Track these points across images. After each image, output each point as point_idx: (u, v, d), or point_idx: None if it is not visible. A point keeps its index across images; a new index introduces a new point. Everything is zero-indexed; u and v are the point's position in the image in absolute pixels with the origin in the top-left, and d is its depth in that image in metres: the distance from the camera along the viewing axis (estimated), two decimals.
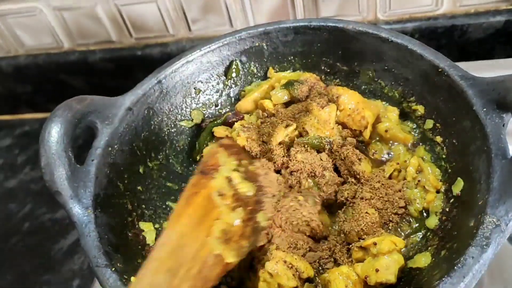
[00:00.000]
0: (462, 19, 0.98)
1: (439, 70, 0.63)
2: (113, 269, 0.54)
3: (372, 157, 0.69)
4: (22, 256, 0.94)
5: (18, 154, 1.17)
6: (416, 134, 0.70)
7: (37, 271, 0.91)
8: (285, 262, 0.55)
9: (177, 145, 0.77)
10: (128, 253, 0.60)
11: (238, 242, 0.48)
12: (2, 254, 0.95)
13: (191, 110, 0.79)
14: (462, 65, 0.64)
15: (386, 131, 0.69)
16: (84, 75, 1.18)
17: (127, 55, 1.12)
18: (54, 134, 0.57)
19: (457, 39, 1.01)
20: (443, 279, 0.47)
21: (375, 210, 0.61)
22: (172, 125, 0.77)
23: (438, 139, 0.65)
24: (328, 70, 0.78)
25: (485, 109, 0.57)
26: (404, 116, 0.72)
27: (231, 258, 0.47)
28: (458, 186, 0.59)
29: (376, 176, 0.65)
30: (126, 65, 1.14)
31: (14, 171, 1.12)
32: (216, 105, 0.81)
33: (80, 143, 0.75)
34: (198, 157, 0.76)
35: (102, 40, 1.13)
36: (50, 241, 0.95)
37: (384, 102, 0.74)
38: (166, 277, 0.43)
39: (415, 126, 0.70)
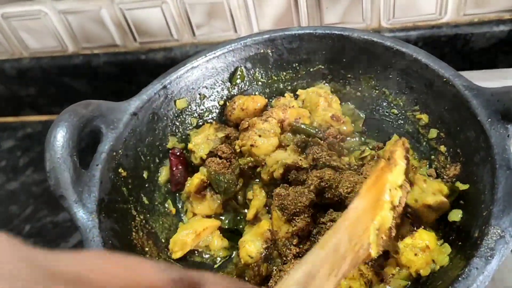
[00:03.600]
0: (465, 28, 0.98)
1: (444, 79, 0.64)
2: None
3: None
4: None
5: (20, 156, 1.16)
6: None
7: None
8: None
9: None
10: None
11: (382, 242, 0.49)
12: None
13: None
14: (465, 74, 0.64)
15: None
16: (88, 78, 1.18)
17: (131, 59, 1.13)
18: (60, 138, 0.58)
19: (460, 48, 1.01)
20: None
21: None
22: (177, 131, 0.77)
23: (442, 148, 0.65)
24: (333, 78, 0.78)
25: (489, 120, 0.57)
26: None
27: (374, 252, 0.47)
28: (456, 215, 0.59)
29: None
30: (130, 69, 1.14)
31: (16, 173, 1.12)
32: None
33: (83, 146, 0.76)
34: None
35: (107, 44, 1.13)
36: (51, 244, 0.95)
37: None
38: (347, 239, 0.44)
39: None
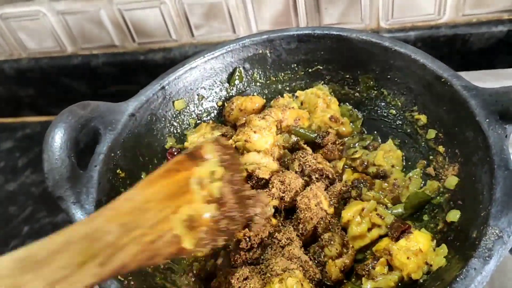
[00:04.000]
0: (464, 28, 0.98)
1: (442, 80, 0.64)
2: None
3: None
4: None
5: (19, 157, 1.16)
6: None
7: None
8: None
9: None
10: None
11: (201, 235, 0.48)
12: None
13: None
14: (463, 74, 0.64)
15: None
16: (87, 79, 1.18)
17: (130, 60, 1.13)
18: (58, 139, 0.58)
19: (459, 48, 1.01)
20: None
21: None
22: (175, 131, 0.77)
23: (441, 149, 0.65)
24: (331, 78, 0.78)
25: (487, 120, 0.57)
26: None
27: (189, 245, 0.47)
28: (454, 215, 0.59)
29: None
30: (129, 70, 1.14)
31: (15, 174, 1.12)
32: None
33: (81, 147, 0.75)
34: None
35: (105, 45, 1.13)
36: None
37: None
38: (117, 229, 0.42)
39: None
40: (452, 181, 0.62)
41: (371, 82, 0.74)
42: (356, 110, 0.78)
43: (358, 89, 0.76)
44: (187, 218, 0.47)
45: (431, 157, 0.67)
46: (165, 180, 0.48)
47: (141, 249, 0.43)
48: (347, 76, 0.76)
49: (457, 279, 0.48)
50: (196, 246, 0.47)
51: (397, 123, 0.73)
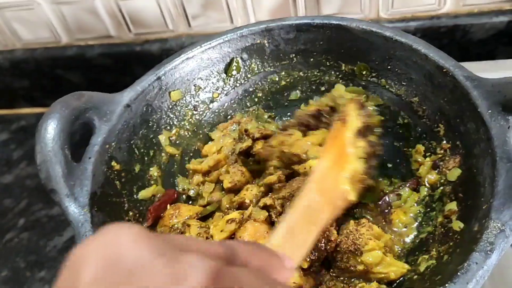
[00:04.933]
0: (465, 19, 0.97)
1: (444, 70, 0.63)
2: None
3: None
4: (17, 252, 0.93)
5: (14, 149, 1.15)
6: None
7: (32, 267, 0.90)
8: None
9: None
10: None
11: (358, 185, 0.56)
12: None
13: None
14: (464, 65, 0.63)
15: None
16: (82, 70, 1.17)
17: (126, 51, 1.11)
18: (51, 131, 0.56)
19: (459, 39, 1.00)
20: (446, 285, 0.46)
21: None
22: (171, 123, 0.76)
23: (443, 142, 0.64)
24: (330, 69, 0.77)
25: (490, 111, 0.56)
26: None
27: (353, 196, 0.55)
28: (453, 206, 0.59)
29: None
30: (125, 61, 1.13)
31: (10, 167, 1.11)
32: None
33: (77, 138, 0.74)
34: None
35: (101, 35, 1.11)
36: (45, 237, 0.94)
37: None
38: (318, 196, 0.51)
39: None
40: (454, 173, 0.61)
41: (372, 73, 0.73)
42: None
43: (357, 81, 0.75)
44: (350, 175, 0.55)
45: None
46: (332, 147, 0.58)
47: (331, 207, 0.52)
48: (347, 66, 0.75)
49: (458, 273, 0.47)
50: (356, 197, 0.56)
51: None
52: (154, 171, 0.72)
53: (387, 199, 0.64)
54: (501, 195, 0.50)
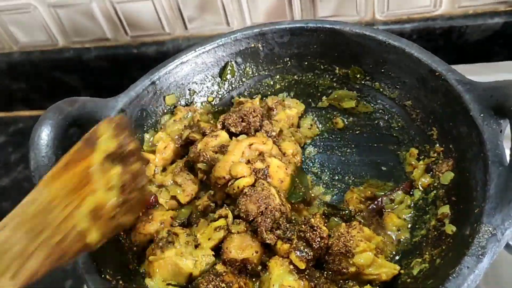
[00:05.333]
0: (460, 20, 0.97)
1: (436, 73, 0.63)
2: (103, 275, 0.53)
3: None
4: None
5: (12, 152, 1.15)
6: None
7: None
8: None
9: None
10: (119, 258, 0.59)
11: (107, 223, 0.47)
12: None
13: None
14: (460, 67, 0.63)
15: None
16: (79, 72, 1.17)
17: (123, 53, 1.11)
18: (44, 137, 0.57)
19: (455, 40, 1.00)
20: None
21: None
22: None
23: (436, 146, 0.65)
24: (324, 73, 0.77)
25: (482, 115, 0.56)
26: None
27: (95, 237, 0.46)
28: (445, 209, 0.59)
29: None
30: (122, 63, 1.13)
31: (7, 169, 1.11)
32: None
33: (74, 141, 0.74)
34: None
35: (97, 38, 1.11)
36: None
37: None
38: (24, 237, 0.42)
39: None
40: (447, 176, 0.61)
41: (366, 76, 0.73)
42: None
43: (351, 84, 0.75)
44: (92, 209, 0.46)
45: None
46: (67, 173, 0.47)
47: (49, 253, 0.43)
48: (341, 70, 0.75)
49: (450, 277, 0.47)
50: (102, 237, 0.47)
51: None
52: None
53: (380, 203, 0.64)
54: (493, 199, 0.50)
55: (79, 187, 0.46)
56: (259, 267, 0.59)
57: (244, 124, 0.69)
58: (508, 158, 0.52)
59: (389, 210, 0.64)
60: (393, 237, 0.62)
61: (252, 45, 0.77)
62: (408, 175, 0.67)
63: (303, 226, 0.58)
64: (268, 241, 0.58)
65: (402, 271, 0.57)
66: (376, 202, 0.64)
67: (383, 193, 0.65)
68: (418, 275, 0.55)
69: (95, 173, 0.48)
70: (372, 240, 0.58)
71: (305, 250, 0.57)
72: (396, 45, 0.67)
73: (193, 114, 0.75)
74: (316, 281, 0.57)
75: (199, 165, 0.67)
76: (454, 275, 0.47)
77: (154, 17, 1.05)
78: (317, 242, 0.57)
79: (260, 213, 0.59)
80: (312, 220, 0.58)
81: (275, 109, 0.75)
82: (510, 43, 0.99)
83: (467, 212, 0.53)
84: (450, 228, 0.55)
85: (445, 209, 0.58)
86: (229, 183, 0.62)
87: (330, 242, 0.57)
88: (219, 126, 0.70)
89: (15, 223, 0.43)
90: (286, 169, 0.65)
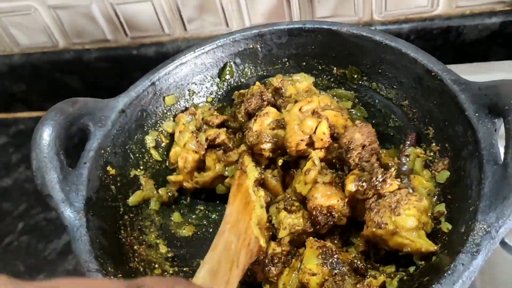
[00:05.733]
0: (457, 20, 0.98)
1: (432, 73, 0.63)
2: (105, 273, 0.54)
3: None
4: (16, 255, 0.94)
5: (13, 153, 1.16)
6: None
7: (31, 271, 0.91)
8: None
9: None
10: (120, 257, 0.60)
11: (265, 233, 0.60)
12: None
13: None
14: (458, 67, 0.64)
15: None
16: (80, 74, 1.18)
17: (123, 54, 1.12)
18: (46, 137, 0.57)
19: (453, 40, 1.01)
20: (433, 285, 0.47)
21: None
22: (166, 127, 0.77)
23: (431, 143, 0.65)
24: (322, 73, 0.78)
25: (477, 114, 0.57)
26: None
27: (263, 242, 0.58)
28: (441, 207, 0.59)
29: None
30: (122, 64, 1.14)
31: (8, 170, 1.12)
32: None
33: (75, 142, 0.75)
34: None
35: (98, 39, 1.12)
36: (44, 241, 0.95)
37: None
38: (235, 238, 0.55)
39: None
40: (443, 175, 0.62)
41: (363, 76, 0.74)
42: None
43: (349, 83, 0.76)
44: (257, 221, 0.59)
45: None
46: (239, 193, 0.62)
47: (246, 251, 0.55)
48: (339, 70, 0.76)
49: (445, 274, 0.48)
50: (265, 244, 0.59)
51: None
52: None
53: (403, 165, 0.64)
54: (487, 197, 0.51)
55: (247, 204, 0.61)
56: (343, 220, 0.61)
57: (265, 103, 0.71)
58: (502, 157, 0.53)
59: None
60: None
61: (251, 46, 0.78)
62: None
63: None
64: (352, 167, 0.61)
65: (401, 270, 0.58)
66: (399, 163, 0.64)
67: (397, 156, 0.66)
68: (414, 273, 0.56)
69: (252, 194, 0.62)
70: (424, 214, 0.57)
71: (364, 183, 0.58)
72: (392, 45, 0.68)
73: (194, 117, 0.76)
74: (338, 271, 0.56)
75: (263, 146, 0.67)
76: (449, 272, 0.48)
77: (154, 18, 1.06)
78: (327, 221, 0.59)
79: (362, 145, 0.61)
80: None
81: (282, 88, 0.75)
82: (507, 43, 1.00)
83: (462, 210, 0.54)
84: (445, 226, 0.56)
85: (441, 208, 0.59)
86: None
87: (384, 191, 0.57)
88: (241, 118, 0.73)
89: (228, 228, 0.57)
90: (342, 115, 0.67)
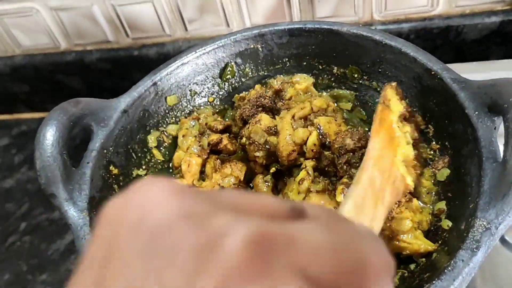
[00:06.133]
0: (457, 19, 0.98)
1: (432, 72, 0.64)
2: None
3: None
4: (19, 256, 0.95)
5: (15, 153, 1.17)
6: None
7: (34, 271, 0.92)
8: None
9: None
10: None
11: (412, 171, 0.55)
12: None
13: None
14: (458, 66, 0.64)
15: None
16: (81, 75, 1.18)
17: (124, 55, 1.13)
18: (49, 137, 0.58)
19: (453, 39, 1.01)
20: (433, 282, 0.48)
21: None
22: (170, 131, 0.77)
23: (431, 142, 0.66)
24: (323, 72, 0.78)
25: (476, 112, 0.57)
26: None
27: (411, 181, 0.54)
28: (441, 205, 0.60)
29: None
30: (123, 65, 1.14)
31: (11, 171, 1.12)
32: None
33: (77, 143, 0.76)
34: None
35: (99, 41, 1.13)
36: (47, 241, 0.96)
37: None
38: (379, 174, 0.51)
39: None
40: (443, 173, 0.62)
41: (363, 75, 0.75)
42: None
43: (348, 84, 0.76)
44: (403, 159, 0.54)
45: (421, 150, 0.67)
46: (381, 128, 0.56)
47: (391, 189, 0.51)
48: (339, 70, 0.76)
49: (445, 270, 0.48)
50: (413, 182, 0.55)
51: None
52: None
53: None
54: (486, 194, 0.51)
55: (391, 140, 0.55)
56: None
57: (260, 110, 0.71)
58: (501, 154, 0.53)
59: None
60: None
61: (252, 46, 0.78)
62: None
63: None
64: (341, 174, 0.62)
65: (401, 267, 0.58)
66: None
67: None
68: (415, 270, 0.56)
69: (396, 130, 0.57)
70: (417, 213, 0.58)
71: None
72: (392, 44, 0.68)
73: (197, 121, 0.76)
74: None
75: (257, 154, 0.68)
76: (449, 268, 0.48)
77: (155, 19, 1.07)
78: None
79: (352, 151, 0.62)
80: None
81: (283, 90, 0.76)
82: (507, 42, 1.00)
83: (462, 207, 0.54)
84: (446, 223, 0.57)
85: (441, 205, 0.59)
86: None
87: None
88: (238, 123, 0.73)
89: (372, 163, 0.52)
90: (335, 120, 0.68)
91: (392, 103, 0.59)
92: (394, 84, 0.62)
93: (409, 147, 0.56)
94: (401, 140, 0.56)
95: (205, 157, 0.72)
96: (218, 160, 0.72)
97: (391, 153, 0.54)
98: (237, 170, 0.70)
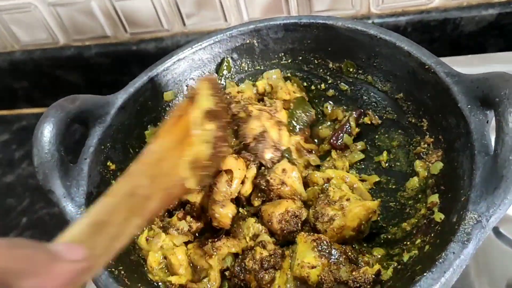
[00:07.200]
0: (454, 12, 0.98)
1: (426, 66, 0.64)
2: (106, 266, 0.55)
3: None
4: None
5: (15, 149, 1.18)
6: None
7: None
8: None
9: None
10: (121, 249, 0.61)
11: (201, 173, 0.53)
12: None
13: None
14: (455, 59, 0.64)
15: None
16: (80, 70, 1.19)
17: (122, 50, 1.13)
18: (47, 134, 0.59)
19: (450, 32, 1.01)
20: (425, 273, 0.49)
21: None
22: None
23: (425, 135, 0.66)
24: (318, 67, 0.78)
25: (469, 106, 0.57)
26: None
27: (192, 184, 0.52)
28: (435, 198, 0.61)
29: None
30: (122, 60, 1.15)
31: (12, 166, 1.13)
32: None
33: (77, 138, 0.76)
34: None
35: (97, 36, 1.13)
36: (48, 235, 0.96)
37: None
38: (147, 181, 0.48)
39: None
40: (437, 166, 0.63)
41: (358, 70, 0.75)
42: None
43: (344, 79, 0.77)
44: (191, 160, 0.52)
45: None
46: (174, 127, 0.53)
47: (162, 195, 0.48)
48: (334, 64, 0.77)
49: (436, 262, 0.49)
50: (197, 185, 0.53)
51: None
52: None
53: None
54: (478, 187, 0.51)
55: (183, 139, 0.52)
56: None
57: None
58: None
59: None
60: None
61: (248, 41, 0.79)
62: None
63: None
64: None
65: (394, 259, 0.59)
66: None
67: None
68: (408, 262, 0.57)
69: (194, 127, 0.53)
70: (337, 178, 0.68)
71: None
72: (387, 39, 0.68)
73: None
74: (335, 260, 0.58)
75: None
76: (440, 260, 0.49)
77: (153, 14, 1.07)
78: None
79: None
80: None
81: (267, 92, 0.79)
82: (504, 34, 1.00)
83: (455, 200, 0.55)
84: (438, 216, 0.57)
85: (434, 198, 0.60)
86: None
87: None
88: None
89: (141, 169, 0.49)
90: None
91: (200, 98, 0.55)
92: (213, 77, 0.61)
93: (206, 146, 0.54)
94: (196, 139, 0.53)
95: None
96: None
97: (176, 154, 0.51)
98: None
